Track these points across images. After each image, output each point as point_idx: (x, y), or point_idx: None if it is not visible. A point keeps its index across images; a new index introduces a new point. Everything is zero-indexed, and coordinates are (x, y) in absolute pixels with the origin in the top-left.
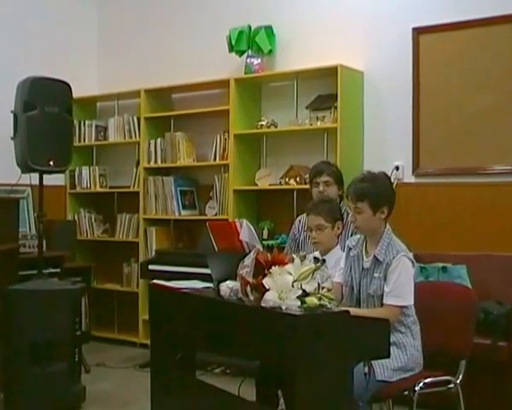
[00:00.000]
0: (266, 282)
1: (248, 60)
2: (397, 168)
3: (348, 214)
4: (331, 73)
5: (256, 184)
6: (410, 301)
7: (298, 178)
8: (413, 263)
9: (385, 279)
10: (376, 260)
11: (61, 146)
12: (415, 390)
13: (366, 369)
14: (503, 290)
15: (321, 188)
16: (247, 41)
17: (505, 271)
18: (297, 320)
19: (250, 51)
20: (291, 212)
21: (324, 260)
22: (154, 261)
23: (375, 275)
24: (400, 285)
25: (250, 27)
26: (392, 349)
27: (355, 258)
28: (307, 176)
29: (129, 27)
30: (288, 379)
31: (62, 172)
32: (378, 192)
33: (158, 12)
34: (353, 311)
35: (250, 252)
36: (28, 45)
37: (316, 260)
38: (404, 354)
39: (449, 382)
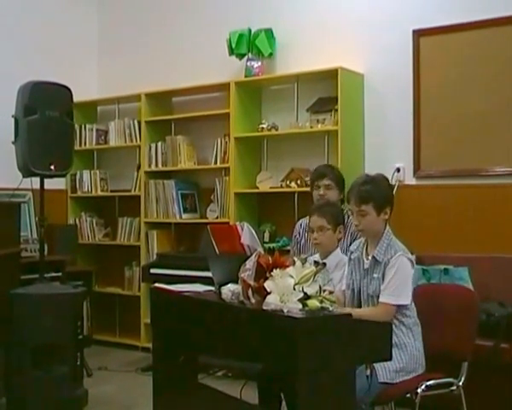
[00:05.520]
0: (268, 285)
1: (248, 63)
2: (398, 170)
3: (349, 217)
4: (331, 75)
5: (257, 187)
6: (405, 300)
7: (299, 181)
8: (412, 263)
9: (383, 279)
10: (375, 261)
11: (61, 150)
12: (417, 392)
13: (368, 371)
14: (505, 292)
15: (321, 191)
16: (248, 44)
17: (507, 272)
18: (298, 323)
19: (250, 54)
20: (292, 214)
21: (325, 264)
22: (155, 265)
23: (374, 275)
24: (396, 284)
25: (250, 30)
26: (393, 350)
27: (356, 261)
28: (308, 179)
29: (129, 31)
30: (289, 382)
31: (63, 176)
32: (381, 193)
33: (158, 16)
34: (346, 311)
35: (251, 255)
36: (28, 50)
37: (316, 263)
38: (405, 354)
39: (451, 384)
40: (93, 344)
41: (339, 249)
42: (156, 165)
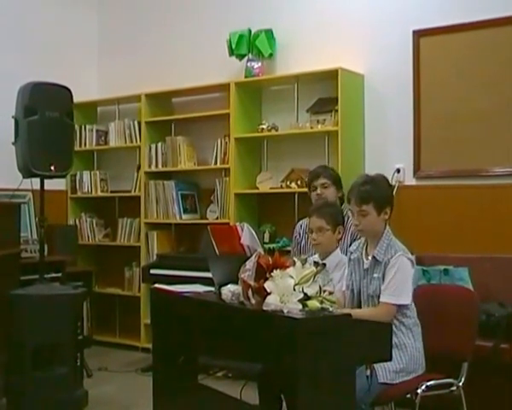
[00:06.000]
0: (268, 285)
1: (249, 63)
2: (398, 171)
3: (348, 218)
4: (331, 76)
5: (257, 188)
6: (406, 300)
7: (299, 182)
8: (412, 263)
9: (384, 279)
10: (375, 261)
11: (61, 151)
12: (417, 393)
13: (368, 372)
14: (505, 292)
15: (318, 191)
16: (248, 45)
17: (507, 273)
18: (298, 323)
19: (250, 55)
20: (292, 215)
21: (324, 264)
22: (155, 265)
23: (375, 275)
24: (396, 283)
25: (250, 31)
26: (394, 351)
27: (355, 261)
28: None
29: (129, 32)
30: (290, 383)
31: (63, 176)
32: (381, 193)
33: (158, 17)
34: (347, 311)
35: (251, 256)
36: (29, 50)
37: (316, 264)
38: (405, 355)
39: (451, 384)
40: (93, 345)
41: (338, 250)
42: (156, 165)
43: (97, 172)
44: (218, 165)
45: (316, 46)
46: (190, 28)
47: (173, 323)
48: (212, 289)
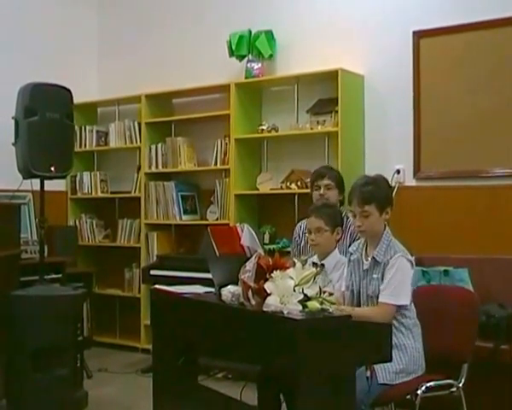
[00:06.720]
0: (268, 286)
1: (249, 64)
2: (398, 172)
3: (348, 219)
4: (332, 77)
5: (257, 189)
6: (405, 300)
7: (299, 183)
8: (412, 264)
9: (383, 279)
10: (375, 262)
11: (62, 152)
12: (417, 394)
13: (368, 373)
14: (505, 293)
15: (322, 191)
16: (248, 45)
17: (507, 274)
18: (298, 324)
19: (250, 56)
20: (292, 216)
21: (323, 265)
22: (155, 266)
23: (374, 276)
24: (394, 284)
25: (250, 32)
26: (393, 352)
27: (355, 262)
28: (308, 180)
29: (129, 33)
30: (289, 384)
31: (63, 177)
32: (383, 193)
33: (158, 17)
34: (346, 310)
35: (251, 256)
36: (29, 51)
37: (314, 264)
38: (405, 356)
39: (451, 385)
40: (93, 346)
41: (337, 250)
42: (156, 166)
43: (97, 173)
44: (218, 166)
45: (316, 47)
46: (190, 29)
47: (173, 324)
48: (212, 290)
